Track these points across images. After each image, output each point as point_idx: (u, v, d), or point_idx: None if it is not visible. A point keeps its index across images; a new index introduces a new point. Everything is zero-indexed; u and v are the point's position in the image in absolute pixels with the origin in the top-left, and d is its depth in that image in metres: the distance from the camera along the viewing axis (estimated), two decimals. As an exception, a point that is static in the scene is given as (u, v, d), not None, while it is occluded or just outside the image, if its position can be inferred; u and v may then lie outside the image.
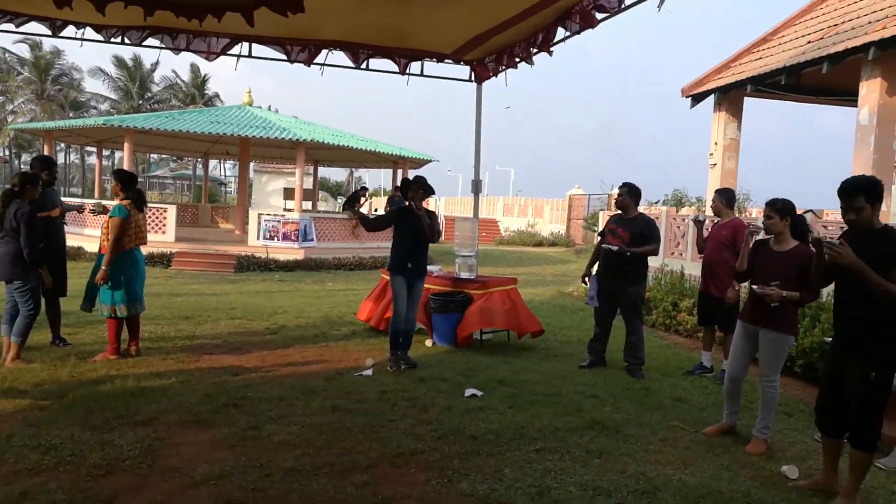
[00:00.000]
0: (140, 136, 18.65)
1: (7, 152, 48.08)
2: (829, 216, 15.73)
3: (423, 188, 6.24)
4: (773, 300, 4.23)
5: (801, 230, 4.48)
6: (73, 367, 5.60)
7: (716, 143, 10.91)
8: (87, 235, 15.57)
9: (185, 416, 4.53)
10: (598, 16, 5.33)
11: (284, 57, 7.04)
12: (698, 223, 6.52)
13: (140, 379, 5.33)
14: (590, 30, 5.52)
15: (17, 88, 44.45)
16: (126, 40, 6.56)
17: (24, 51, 44.36)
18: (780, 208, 4.40)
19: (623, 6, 5.10)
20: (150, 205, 17.22)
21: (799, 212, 5.40)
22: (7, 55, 44.60)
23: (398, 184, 21.43)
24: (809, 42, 9.20)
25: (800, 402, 5.60)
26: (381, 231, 6.63)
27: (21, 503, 3.17)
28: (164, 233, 16.28)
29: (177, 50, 6.56)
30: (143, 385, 5.16)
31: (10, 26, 6.30)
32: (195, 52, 6.76)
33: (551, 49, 6.25)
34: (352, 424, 4.51)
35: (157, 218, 16.39)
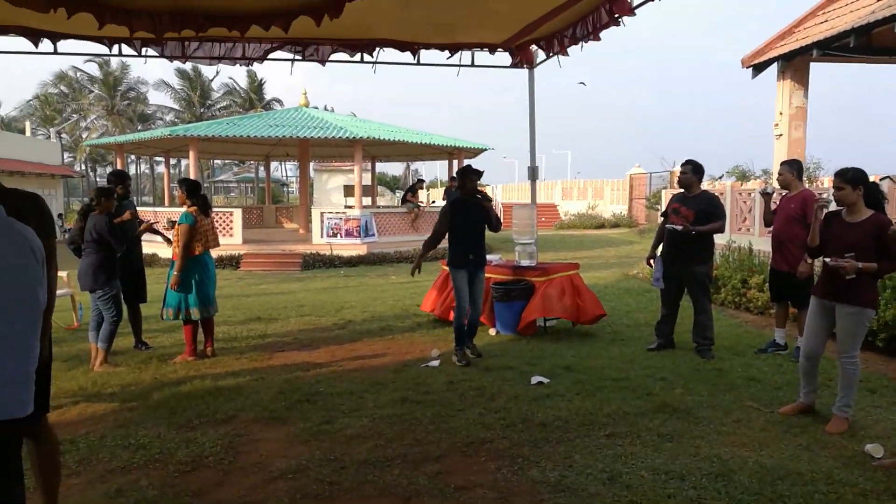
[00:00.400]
0: (204, 144, 19.31)
1: (84, 167, 50.56)
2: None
3: (475, 174, 6.23)
4: (848, 273, 4.06)
5: (875, 199, 4.27)
6: (156, 370, 5.90)
7: (781, 113, 10.49)
8: (159, 243, 16.22)
9: (261, 413, 4.71)
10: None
11: (338, 57, 7.18)
12: (766, 195, 6.28)
13: (217, 379, 5.56)
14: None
15: (90, 105, 46.66)
16: (185, 53, 6.82)
17: (94, 69, 46.51)
18: (850, 178, 4.21)
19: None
20: (217, 209, 17.84)
21: (876, 178, 5.16)
22: (79, 74, 46.85)
23: (454, 174, 21.50)
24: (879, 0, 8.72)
25: (883, 378, 5.37)
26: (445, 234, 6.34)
27: (117, 499, 3.38)
28: (231, 236, 16.83)
29: (225, 60, 6.77)
30: (221, 384, 5.39)
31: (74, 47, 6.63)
32: (250, 59, 6.96)
33: (616, 22, 6.06)
34: (421, 415, 4.60)
35: (225, 222, 16.96)
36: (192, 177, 17.20)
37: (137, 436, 4.25)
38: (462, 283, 6.13)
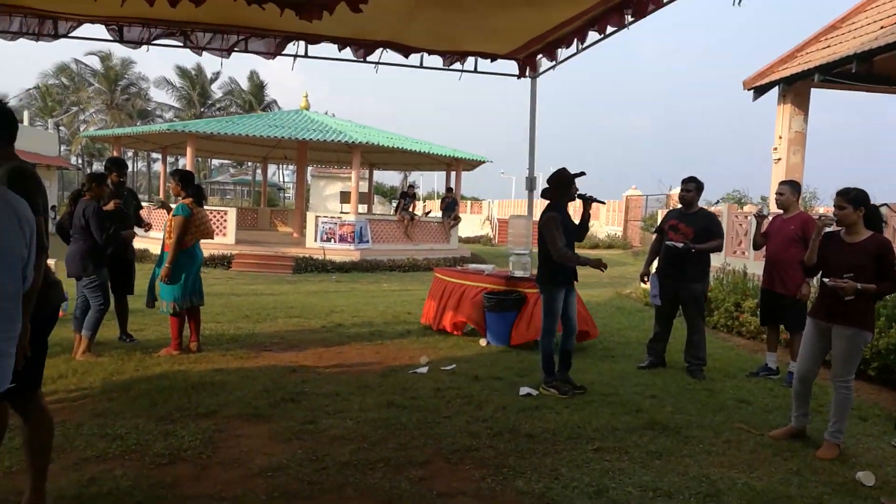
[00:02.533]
0: (202, 141, 19.24)
1: (80, 160, 50.38)
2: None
3: (574, 178, 5.46)
4: (847, 293, 4.01)
5: (875, 221, 4.24)
6: (139, 362, 5.78)
7: (780, 137, 10.50)
8: (152, 238, 16.12)
9: (244, 409, 4.61)
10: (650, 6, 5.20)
11: (339, 55, 7.13)
12: (760, 217, 6.23)
13: (201, 374, 5.46)
14: (642, 19, 5.40)
15: (89, 99, 46.55)
16: (189, 42, 6.74)
17: (95, 62, 46.44)
18: (853, 198, 4.18)
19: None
20: (211, 208, 17.75)
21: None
22: (80, 66, 46.77)
23: (450, 185, 21.46)
24: (882, 27, 8.75)
25: (875, 406, 5.32)
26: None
27: (89, 488, 3.28)
28: (224, 235, 16.73)
29: (230, 52, 6.70)
30: (205, 380, 5.28)
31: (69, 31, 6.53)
32: (255, 52, 6.91)
33: (607, 35, 6.09)
34: (407, 420, 4.51)
35: (218, 220, 16.85)
36: (188, 173, 17.16)
37: (115, 426, 4.14)
38: (559, 304, 5.41)
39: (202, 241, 6.28)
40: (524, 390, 5.31)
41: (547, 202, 5.65)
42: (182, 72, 48.06)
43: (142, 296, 6.84)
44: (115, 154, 20.66)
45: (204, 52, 6.71)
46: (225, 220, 16.93)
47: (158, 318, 7.31)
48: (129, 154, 46.10)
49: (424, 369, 5.93)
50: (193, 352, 6.21)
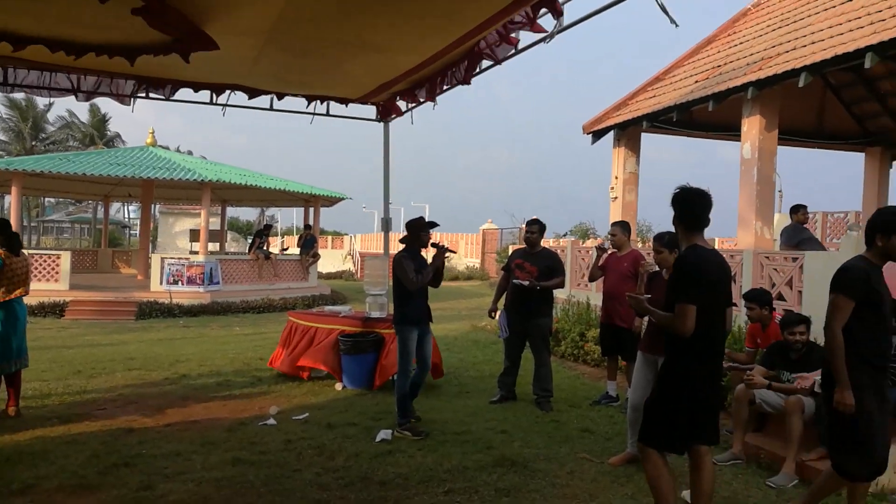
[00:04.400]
0: (31, 179, 17.62)
1: None
2: (724, 244, 16.68)
3: (428, 227, 5.76)
4: (669, 328, 4.36)
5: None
6: (-59, 434, 5.10)
7: (616, 177, 11.34)
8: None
9: (68, 480, 4.19)
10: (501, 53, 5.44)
11: (186, 97, 6.85)
12: (601, 250, 6.64)
13: (19, 443, 4.91)
14: (497, 66, 5.65)
15: None
16: (7, 81, 6.20)
17: None
18: (667, 242, 4.58)
19: (518, 50, 5.25)
20: (41, 252, 16.24)
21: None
22: None
23: (309, 222, 21.12)
24: (697, 81, 9.78)
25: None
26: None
27: None
28: (56, 281, 15.32)
29: (92, 94, 6.32)
30: (22, 449, 4.75)
31: None
32: (106, 95, 6.52)
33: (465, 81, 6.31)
34: (254, 478, 4.31)
35: (49, 265, 15.41)
36: (13, 216, 15.60)
37: None
38: (412, 344, 5.59)
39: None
40: (380, 436, 5.24)
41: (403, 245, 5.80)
42: (11, 102, 43.93)
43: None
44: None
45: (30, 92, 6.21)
46: (57, 265, 15.50)
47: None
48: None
49: (274, 420, 5.70)
50: (11, 417, 5.57)
